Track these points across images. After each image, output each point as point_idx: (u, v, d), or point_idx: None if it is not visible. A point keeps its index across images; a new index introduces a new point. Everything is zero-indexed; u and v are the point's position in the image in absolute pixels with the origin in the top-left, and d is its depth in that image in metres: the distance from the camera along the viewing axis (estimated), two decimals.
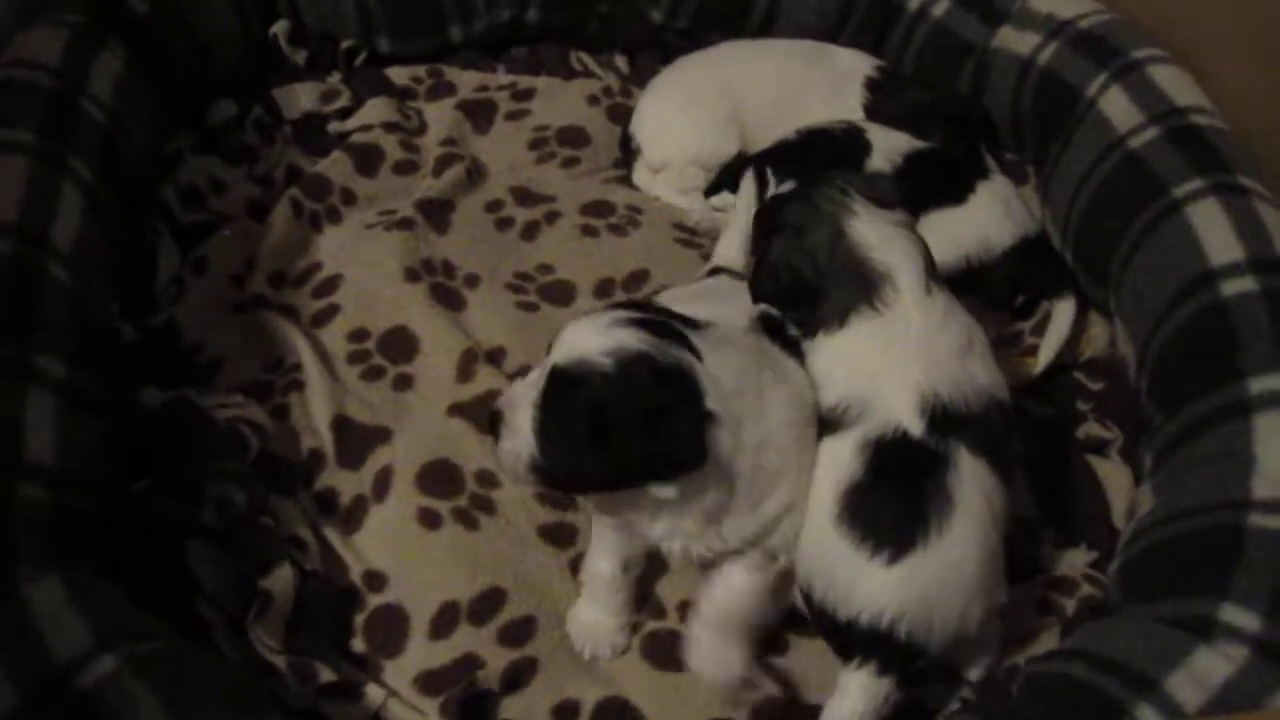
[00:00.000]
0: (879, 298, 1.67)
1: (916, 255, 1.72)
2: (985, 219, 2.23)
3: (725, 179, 2.29)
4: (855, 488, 1.59)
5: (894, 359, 1.65)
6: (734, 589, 1.67)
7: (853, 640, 1.57)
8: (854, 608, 1.55)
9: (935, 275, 1.73)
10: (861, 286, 1.68)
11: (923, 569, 1.54)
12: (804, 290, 1.72)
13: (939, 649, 1.58)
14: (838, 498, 1.59)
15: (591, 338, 1.48)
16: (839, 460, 1.62)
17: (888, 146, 2.26)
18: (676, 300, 1.78)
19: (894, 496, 1.57)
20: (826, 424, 1.66)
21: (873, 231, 1.71)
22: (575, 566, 1.87)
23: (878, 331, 1.67)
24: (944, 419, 1.61)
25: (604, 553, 1.76)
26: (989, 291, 2.22)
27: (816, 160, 2.17)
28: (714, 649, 1.70)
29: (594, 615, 1.79)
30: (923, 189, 2.20)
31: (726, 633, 1.69)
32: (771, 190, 2.18)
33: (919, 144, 2.31)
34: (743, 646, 1.70)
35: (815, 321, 1.71)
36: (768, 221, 1.82)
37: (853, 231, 1.71)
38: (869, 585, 1.55)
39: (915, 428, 1.60)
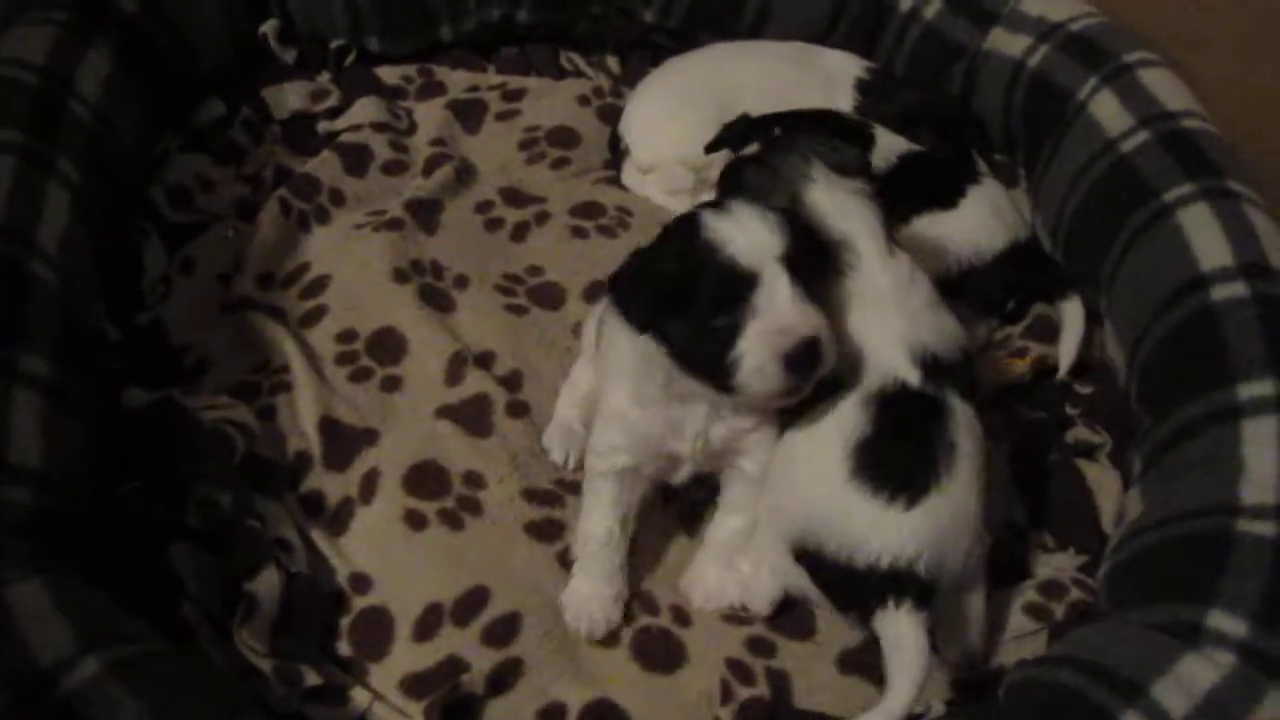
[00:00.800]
0: (841, 262, 1.73)
1: (872, 220, 1.78)
2: (975, 223, 2.22)
3: (729, 137, 2.27)
4: (865, 442, 1.64)
5: (875, 317, 1.71)
6: (731, 527, 1.84)
7: (874, 584, 1.62)
8: (872, 552, 1.61)
9: (893, 238, 1.80)
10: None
11: (937, 510, 1.61)
12: None
13: (949, 584, 1.65)
14: (849, 454, 1.64)
15: None
16: (843, 417, 1.67)
17: (886, 145, 2.26)
18: None
19: (905, 445, 1.65)
20: (821, 385, 1.66)
21: (828, 199, 1.76)
22: (563, 559, 1.87)
23: (851, 294, 1.73)
24: (935, 367, 1.69)
25: (600, 512, 1.80)
26: (980, 296, 2.21)
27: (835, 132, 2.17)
28: (717, 578, 1.83)
29: (589, 587, 1.80)
30: (913, 192, 2.21)
31: (727, 564, 1.84)
32: None
33: (914, 147, 2.31)
34: (737, 580, 1.83)
35: None
36: (728, 182, 1.86)
37: (809, 198, 1.76)
38: (888, 530, 1.60)
39: (913, 378, 1.68)
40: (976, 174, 2.31)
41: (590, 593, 1.79)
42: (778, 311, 1.54)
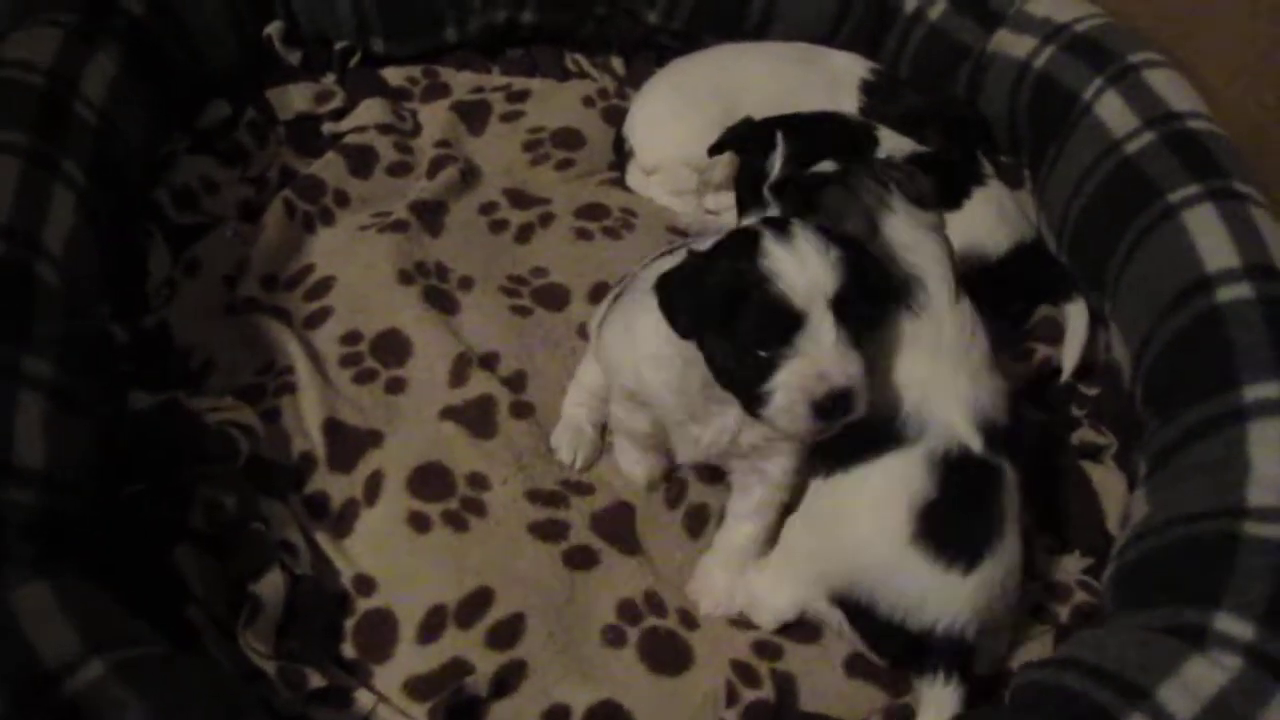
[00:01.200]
0: (912, 300, 1.71)
1: (945, 261, 1.75)
2: (980, 225, 2.21)
3: (731, 139, 2.27)
4: (931, 505, 1.63)
5: (939, 369, 1.69)
6: (745, 533, 1.84)
7: (925, 649, 1.64)
8: (929, 618, 1.62)
9: (961, 283, 1.76)
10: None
11: (991, 577, 1.63)
12: None
13: (986, 644, 1.69)
14: (914, 515, 1.63)
15: None
16: (909, 477, 1.65)
17: (890, 146, 2.25)
18: None
19: (966, 511, 1.64)
20: (882, 436, 1.67)
21: (906, 232, 1.74)
22: (567, 559, 1.87)
23: (916, 336, 1.71)
24: (993, 433, 1.68)
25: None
26: (985, 298, 2.20)
27: (825, 140, 2.16)
28: (725, 585, 1.83)
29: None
30: None
31: (734, 570, 1.84)
32: (778, 157, 2.18)
33: (919, 148, 2.29)
34: (745, 588, 1.82)
35: None
36: (800, 197, 1.81)
37: (887, 228, 1.73)
38: (946, 595, 1.62)
39: (975, 444, 1.67)
40: (982, 175, 2.30)
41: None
42: (818, 356, 1.53)
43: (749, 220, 1.97)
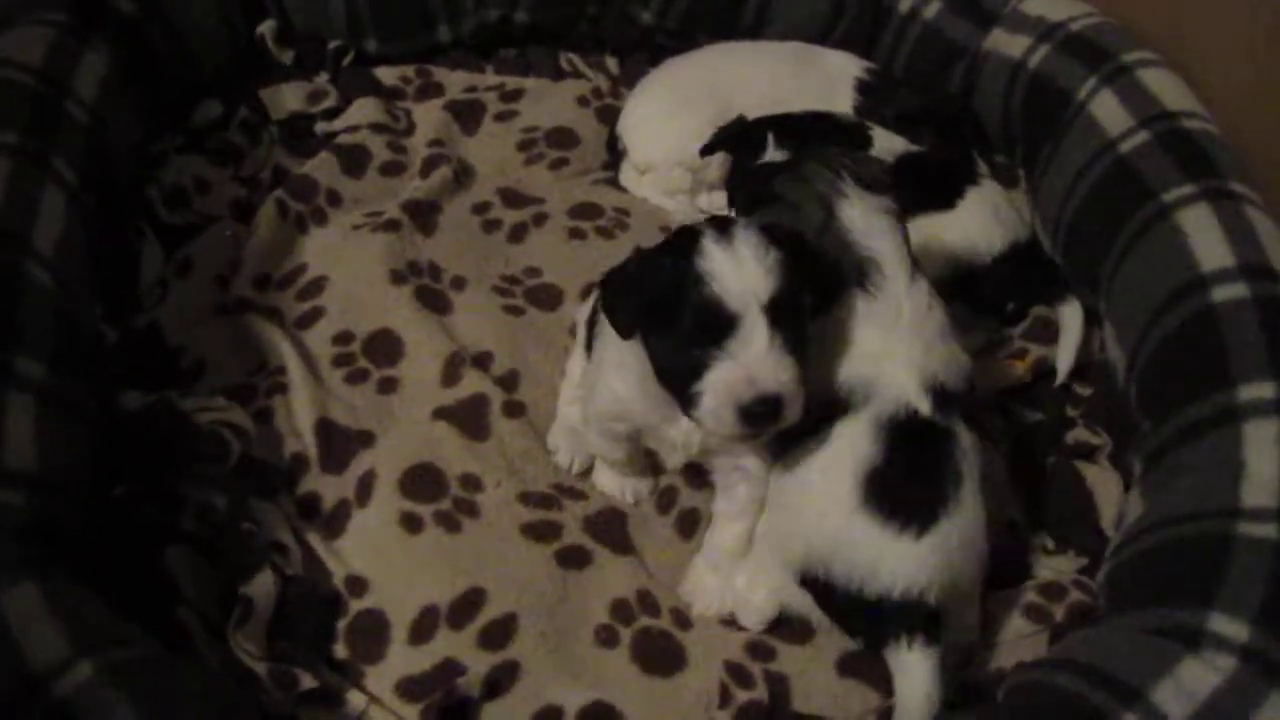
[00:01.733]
0: (869, 282, 1.71)
1: (901, 243, 1.75)
2: (974, 225, 2.21)
3: (724, 139, 2.27)
4: (877, 471, 1.63)
5: (893, 342, 1.69)
6: (732, 533, 1.83)
7: (884, 615, 1.62)
8: (883, 583, 1.61)
9: (917, 262, 1.77)
10: (850, 270, 1.72)
11: (947, 539, 1.61)
12: None
13: (955, 611, 1.67)
14: (860, 481, 1.63)
15: None
16: (855, 444, 1.65)
17: (884, 146, 2.24)
18: None
19: (915, 474, 1.64)
20: (831, 405, 1.68)
21: (861, 217, 1.74)
22: (560, 558, 1.86)
23: (872, 315, 1.71)
24: (944, 397, 1.68)
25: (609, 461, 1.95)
26: (979, 298, 2.20)
27: (818, 140, 2.15)
28: (717, 586, 1.83)
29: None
30: (911, 193, 2.18)
31: (725, 571, 1.83)
32: (768, 157, 2.19)
33: (912, 147, 2.29)
34: (731, 586, 1.82)
35: None
36: (755, 187, 1.83)
37: (842, 214, 1.73)
38: (899, 559, 1.60)
39: (924, 407, 1.66)
40: (975, 175, 2.30)
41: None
42: (747, 361, 1.54)
43: None
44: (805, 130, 2.21)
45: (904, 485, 1.62)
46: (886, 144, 2.25)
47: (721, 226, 1.59)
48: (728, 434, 1.61)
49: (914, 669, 1.60)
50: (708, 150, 2.28)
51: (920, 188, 2.19)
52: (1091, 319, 2.21)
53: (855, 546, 1.62)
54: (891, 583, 1.60)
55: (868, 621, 1.67)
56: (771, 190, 1.79)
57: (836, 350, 1.71)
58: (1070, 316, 2.22)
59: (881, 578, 1.60)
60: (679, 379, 1.60)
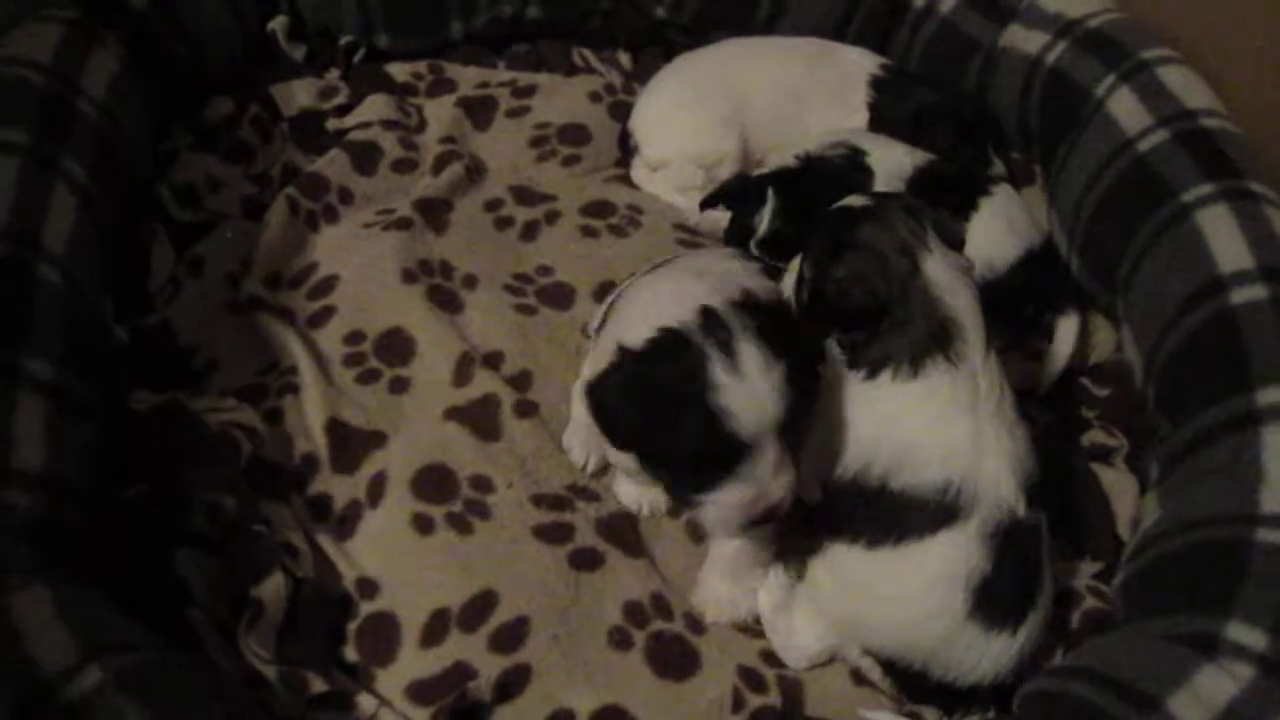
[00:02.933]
0: (952, 349, 1.65)
1: (979, 308, 1.70)
2: (989, 236, 2.18)
3: (721, 197, 2.25)
4: (987, 580, 1.59)
5: (982, 430, 1.64)
6: (734, 543, 1.78)
7: (970, 700, 1.65)
8: (978, 676, 1.62)
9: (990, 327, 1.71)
10: (934, 331, 1.65)
11: (1035, 625, 1.63)
12: (874, 313, 1.67)
13: None
14: (971, 592, 1.59)
15: None
16: (967, 556, 1.60)
17: (888, 172, 2.21)
18: None
19: (1018, 580, 1.62)
20: (936, 508, 1.61)
21: (945, 273, 1.68)
22: (572, 560, 1.85)
23: (958, 393, 1.64)
24: (1032, 489, 1.65)
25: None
26: (996, 307, 2.18)
27: (814, 187, 2.14)
28: (728, 593, 1.82)
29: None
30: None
31: (735, 578, 1.81)
32: (766, 212, 2.18)
33: (920, 160, 2.26)
34: (747, 592, 1.81)
35: (879, 356, 1.68)
36: (837, 233, 1.74)
37: (927, 268, 1.67)
38: (997, 656, 1.61)
39: (1021, 507, 1.62)
40: (988, 186, 2.26)
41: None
42: (756, 480, 1.54)
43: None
44: (802, 180, 2.19)
45: (1006, 588, 1.60)
46: (887, 168, 2.22)
47: (719, 337, 1.51)
48: (727, 535, 1.67)
49: None
50: (708, 204, 2.27)
51: (935, 202, 2.17)
52: (1109, 320, 2.19)
53: (958, 649, 1.61)
54: (985, 675, 1.61)
55: (947, 699, 1.67)
56: (856, 236, 1.71)
57: (927, 433, 1.64)
58: (1065, 329, 2.20)
59: (979, 672, 1.61)
60: (680, 489, 1.61)
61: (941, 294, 1.66)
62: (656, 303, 1.60)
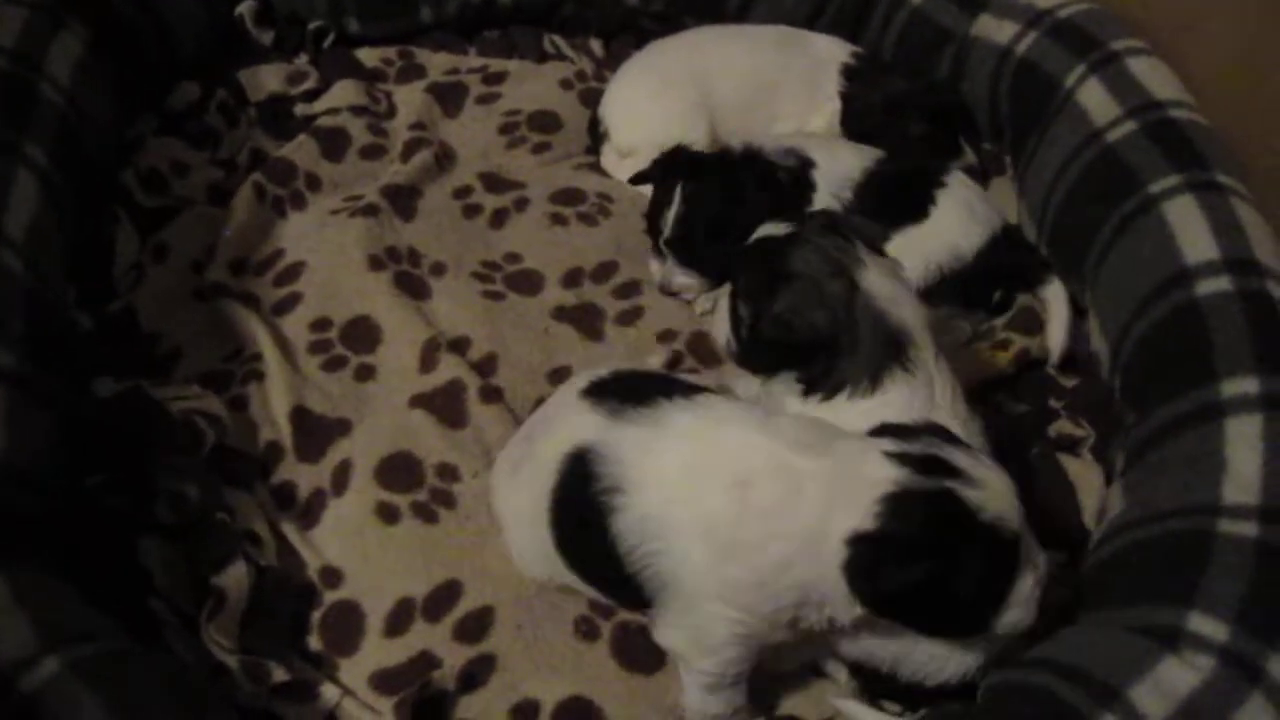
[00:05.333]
0: (906, 357, 1.63)
1: (923, 310, 1.69)
2: (951, 228, 2.18)
3: (647, 177, 2.25)
4: None
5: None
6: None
7: (937, 696, 1.62)
8: (946, 676, 1.59)
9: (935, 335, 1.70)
10: (886, 345, 1.63)
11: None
12: (820, 347, 1.64)
13: None
14: None
15: None
16: None
17: (834, 179, 2.20)
18: None
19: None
20: None
21: (883, 284, 1.66)
22: None
23: (915, 398, 1.63)
24: None
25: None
26: (964, 295, 2.18)
27: (739, 189, 2.13)
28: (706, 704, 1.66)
29: None
30: (882, 213, 2.15)
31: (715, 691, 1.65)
32: (671, 216, 2.15)
33: (869, 161, 2.25)
34: (734, 694, 1.65)
35: (835, 381, 1.65)
36: (768, 267, 1.70)
37: (866, 283, 1.65)
38: (963, 653, 1.58)
39: None
40: (940, 177, 2.24)
41: None
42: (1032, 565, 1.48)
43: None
44: (724, 180, 2.16)
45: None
46: (833, 178, 2.21)
47: (956, 462, 1.44)
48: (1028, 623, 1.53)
49: None
50: (636, 180, 2.27)
51: (888, 206, 2.18)
52: (1076, 310, 2.20)
53: (926, 653, 1.58)
54: (952, 675, 1.59)
55: (914, 700, 1.65)
56: (786, 268, 1.67)
57: None
58: (1054, 296, 2.20)
59: (947, 671, 1.59)
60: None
61: (885, 305, 1.64)
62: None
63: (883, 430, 1.50)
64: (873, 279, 1.65)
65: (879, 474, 1.42)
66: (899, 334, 1.64)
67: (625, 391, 1.64)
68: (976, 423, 1.70)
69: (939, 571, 1.39)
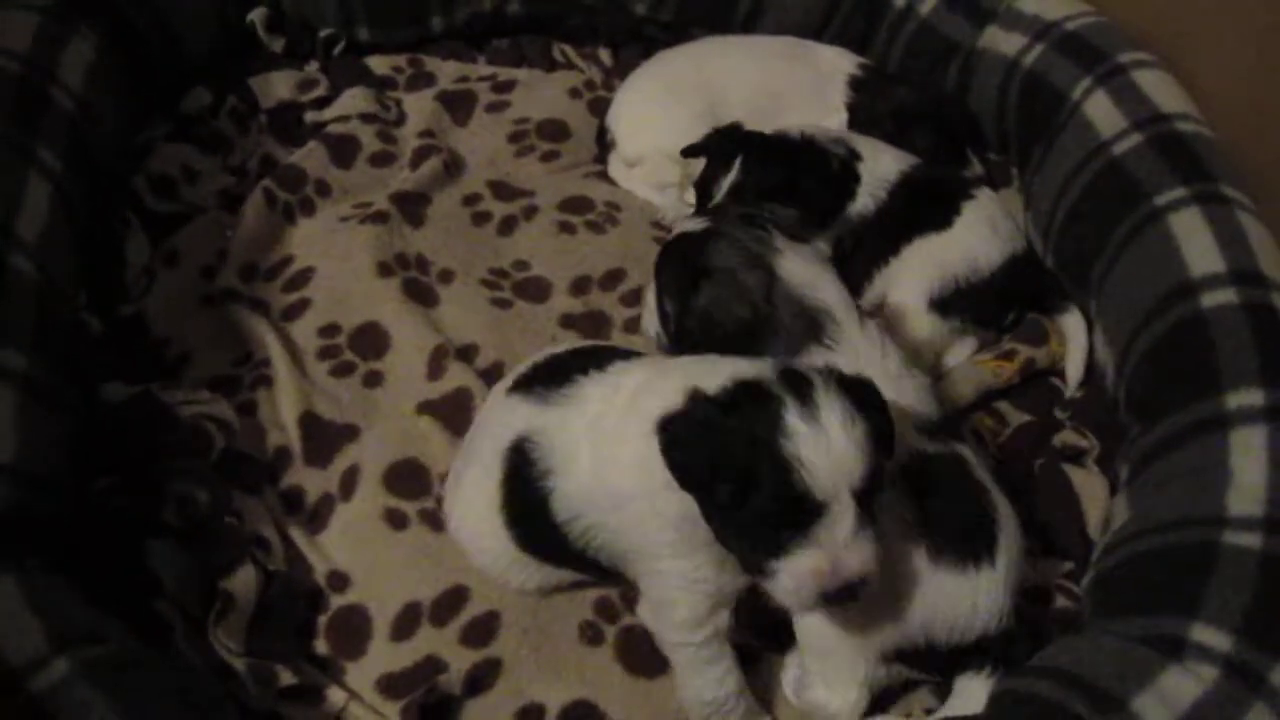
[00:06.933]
0: (825, 335, 1.67)
1: (842, 287, 1.72)
2: (972, 241, 2.19)
3: (708, 146, 2.24)
4: (928, 524, 1.59)
5: None
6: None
7: (979, 651, 1.62)
8: (980, 624, 1.60)
9: (858, 304, 1.74)
10: (806, 326, 1.67)
11: (1010, 551, 1.62)
12: (744, 336, 1.67)
13: None
14: (925, 543, 1.59)
15: None
16: (902, 514, 1.59)
17: (875, 177, 2.22)
18: None
19: (957, 508, 1.61)
20: None
21: (802, 269, 1.70)
22: None
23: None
24: (932, 427, 1.66)
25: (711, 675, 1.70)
26: (979, 311, 2.19)
27: (795, 172, 2.13)
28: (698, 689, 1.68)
29: None
30: (908, 217, 2.20)
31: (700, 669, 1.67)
32: (727, 180, 2.14)
33: (905, 165, 2.26)
34: (722, 673, 1.66)
35: None
36: (685, 264, 1.75)
37: (783, 271, 1.69)
38: (987, 593, 1.59)
39: (927, 445, 1.63)
40: (970, 190, 2.26)
41: None
42: (833, 549, 1.41)
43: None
44: (782, 159, 2.16)
45: (956, 523, 1.60)
46: (874, 176, 2.22)
47: (799, 389, 1.42)
48: (800, 609, 1.55)
49: (976, 693, 1.60)
50: (691, 153, 2.26)
51: (917, 209, 2.20)
52: (1084, 318, 2.20)
53: (947, 600, 1.59)
54: (987, 620, 1.59)
55: (961, 662, 1.64)
56: (705, 264, 1.72)
57: None
58: (1073, 327, 2.20)
59: (979, 618, 1.59)
60: (749, 550, 1.47)
61: (803, 290, 1.69)
62: (734, 360, 1.53)
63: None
64: (790, 266, 1.70)
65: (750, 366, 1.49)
66: (818, 314, 1.68)
67: (548, 377, 1.71)
68: (912, 380, 1.72)
69: (731, 444, 1.40)
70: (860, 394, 1.46)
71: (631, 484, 1.55)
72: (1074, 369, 2.18)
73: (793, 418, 1.39)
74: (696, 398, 1.46)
